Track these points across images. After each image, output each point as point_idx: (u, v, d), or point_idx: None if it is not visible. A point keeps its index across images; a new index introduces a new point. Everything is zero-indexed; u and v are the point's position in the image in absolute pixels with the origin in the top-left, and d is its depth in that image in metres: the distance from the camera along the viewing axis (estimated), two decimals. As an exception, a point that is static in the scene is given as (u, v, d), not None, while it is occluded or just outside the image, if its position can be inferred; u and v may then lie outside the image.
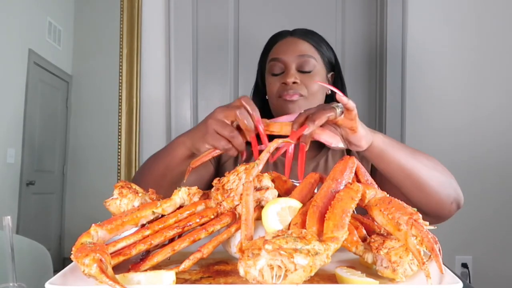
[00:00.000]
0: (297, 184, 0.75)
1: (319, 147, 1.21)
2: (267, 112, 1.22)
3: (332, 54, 1.24)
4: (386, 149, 0.90)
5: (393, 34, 2.06)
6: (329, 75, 1.23)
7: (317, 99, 1.17)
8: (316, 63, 1.17)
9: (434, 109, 2.07)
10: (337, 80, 1.25)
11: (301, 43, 1.18)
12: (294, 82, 1.14)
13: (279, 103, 1.16)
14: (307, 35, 1.20)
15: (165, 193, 0.99)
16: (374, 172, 1.12)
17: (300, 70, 1.15)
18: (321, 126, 0.80)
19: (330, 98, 1.21)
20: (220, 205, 0.68)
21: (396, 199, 0.62)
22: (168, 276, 0.55)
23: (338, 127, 0.84)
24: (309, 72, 1.16)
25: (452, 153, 2.05)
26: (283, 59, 1.16)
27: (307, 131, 0.78)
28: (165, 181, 0.98)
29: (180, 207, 0.70)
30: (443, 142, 2.06)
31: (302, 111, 1.07)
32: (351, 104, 0.78)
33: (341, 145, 0.85)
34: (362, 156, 1.15)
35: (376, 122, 2.12)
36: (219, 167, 1.22)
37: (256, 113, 0.83)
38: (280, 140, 0.74)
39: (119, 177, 2.10)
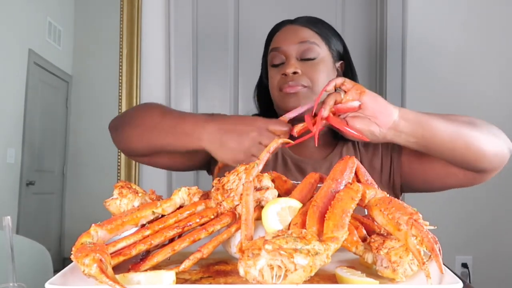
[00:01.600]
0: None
1: (331, 146, 1.15)
2: (272, 107, 1.16)
3: (341, 43, 1.14)
4: (420, 115, 0.86)
5: (393, 30, 2.05)
6: (338, 64, 1.13)
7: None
8: (320, 50, 1.07)
9: (435, 106, 2.07)
10: (347, 70, 1.15)
11: (302, 30, 1.09)
12: (294, 73, 1.05)
13: (280, 97, 1.08)
14: (309, 22, 1.11)
15: (132, 147, 1.00)
16: (398, 155, 1.06)
17: (303, 58, 1.07)
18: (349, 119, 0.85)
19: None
20: (220, 205, 0.68)
21: (396, 199, 0.62)
22: (168, 276, 0.55)
23: (355, 108, 0.85)
24: (312, 59, 1.06)
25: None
26: (283, 49, 1.08)
27: (323, 113, 0.82)
28: (147, 143, 0.96)
29: (180, 207, 0.70)
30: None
31: (306, 103, 1.06)
32: (339, 80, 0.84)
33: (374, 128, 0.84)
34: (390, 147, 1.07)
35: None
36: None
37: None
38: (280, 140, 0.74)
39: (119, 177, 2.10)
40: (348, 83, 0.84)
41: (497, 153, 0.92)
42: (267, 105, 1.19)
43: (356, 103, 0.83)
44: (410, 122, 0.85)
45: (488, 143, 0.90)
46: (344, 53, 1.15)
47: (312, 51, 1.07)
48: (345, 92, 0.84)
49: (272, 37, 1.14)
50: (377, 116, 0.83)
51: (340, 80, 0.84)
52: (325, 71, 1.08)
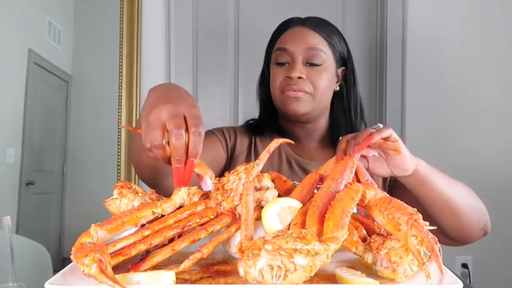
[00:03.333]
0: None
1: (332, 147, 1.17)
2: (271, 103, 1.16)
3: (345, 47, 1.15)
4: (429, 175, 0.89)
5: (393, 30, 2.05)
6: (339, 71, 1.14)
7: (325, 97, 1.10)
8: (326, 58, 1.08)
9: (435, 106, 2.07)
10: (349, 76, 1.16)
11: (312, 34, 1.09)
12: (299, 77, 1.05)
13: (282, 98, 1.08)
14: (319, 26, 1.11)
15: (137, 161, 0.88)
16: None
17: (308, 63, 1.07)
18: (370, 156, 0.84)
19: (340, 95, 1.15)
20: (220, 205, 0.68)
21: (396, 199, 0.62)
22: (168, 276, 0.55)
23: (383, 151, 0.85)
24: (318, 65, 1.07)
25: (452, 152, 2.05)
26: (290, 50, 1.07)
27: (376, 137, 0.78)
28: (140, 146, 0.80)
29: (180, 207, 0.69)
30: (443, 142, 2.06)
31: (306, 110, 1.06)
32: (386, 133, 0.80)
33: (388, 173, 0.86)
34: (392, 185, 1.11)
35: (376, 119, 2.12)
36: (231, 161, 1.15)
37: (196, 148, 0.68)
38: (280, 140, 0.73)
39: (119, 177, 2.10)
40: (393, 135, 0.83)
41: (474, 232, 0.98)
42: (267, 100, 1.18)
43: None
44: (418, 180, 0.89)
45: (472, 220, 0.96)
46: (347, 58, 1.15)
47: (318, 57, 1.07)
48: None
49: (279, 35, 1.13)
50: (396, 169, 0.86)
51: (388, 132, 0.82)
52: (328, 78, 1.09)
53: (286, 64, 1.08)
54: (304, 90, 1.05)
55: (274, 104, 1.14)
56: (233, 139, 1.16)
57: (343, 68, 1.15)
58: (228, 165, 1.15)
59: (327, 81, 1.08)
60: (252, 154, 1.15)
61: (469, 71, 2.07)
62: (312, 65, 1.07)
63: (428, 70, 2.06)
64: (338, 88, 1.15)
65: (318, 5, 2.11)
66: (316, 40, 1.08)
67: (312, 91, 1.06)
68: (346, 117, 1.16)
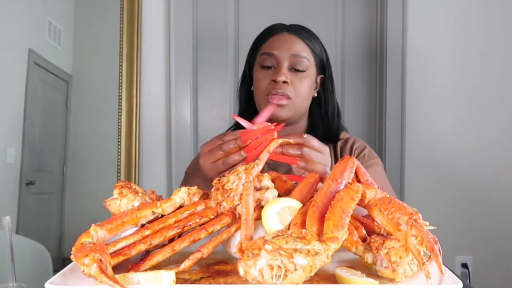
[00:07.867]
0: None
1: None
2: (253, 104, 1.20)
3: (325, 55, 1.20)
4: None
5: (393, 31, 2.05)
6: (318, 78, 1.19)
7: (304, 103, 1.15)
8: (309, 65, 1.13)
9: (435, 107, 2.07)
10: (327, 83, 1.21)
11: (297, 41, 1.14)
12: (284, 82, 1.09)
13: (265, 102, 1.12)
14: (303, 33, 1.16)
15: None
16: None
17: (293, 68, 1.11)
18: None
19: (318, 101, 1.20)
20: (220, 205, 0.68)
21: (395, 199, 0.62)
22: (168, 276, 0.55)
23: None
24: (302, 71, 1.12)
25: (452, 152, 2.05)
26: (276, 55, 1.12)
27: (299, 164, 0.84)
28: None
29: (180, 207, 0.69)
30: (443, 142, 2.06)
31: (287, 116, 1.10)
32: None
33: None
34: None
35: (376, 119, 2.12)
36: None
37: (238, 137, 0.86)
38: (280, 140, 0.74)
39: (119, 177, 2.10)
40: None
41: None
42: (249, 100, 1.23)
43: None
44: None
45: None
46: (326, 65, 1.20)
47: (302, 64, 1.12)
48: None
49: (265, 40, 1.17)
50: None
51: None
52: (309, 85, 1.14)
53: (272, 68, 1.12)
54: (287, 95, 1.09)
55: (256, 104, 1.18)
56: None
57: (321, 76, 1.20)
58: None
59: (308, 87, 1.13)
60: None
61: (469, 69, 2.07)
62: (296, 71, 1.11)
63: (428, 68, 2.06)
64: (316, 95, 1.20)
65: (318, 5, 2.11)
66: (301, 47, 1.13)
67: (294, 96, 1.10)
68: (323, 121, 1.21)
